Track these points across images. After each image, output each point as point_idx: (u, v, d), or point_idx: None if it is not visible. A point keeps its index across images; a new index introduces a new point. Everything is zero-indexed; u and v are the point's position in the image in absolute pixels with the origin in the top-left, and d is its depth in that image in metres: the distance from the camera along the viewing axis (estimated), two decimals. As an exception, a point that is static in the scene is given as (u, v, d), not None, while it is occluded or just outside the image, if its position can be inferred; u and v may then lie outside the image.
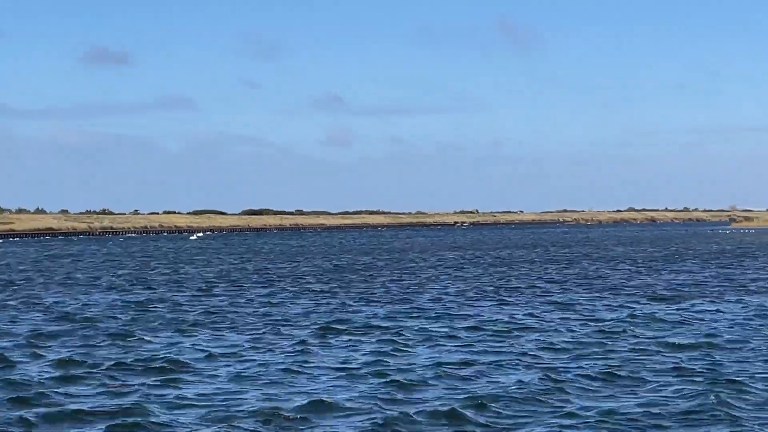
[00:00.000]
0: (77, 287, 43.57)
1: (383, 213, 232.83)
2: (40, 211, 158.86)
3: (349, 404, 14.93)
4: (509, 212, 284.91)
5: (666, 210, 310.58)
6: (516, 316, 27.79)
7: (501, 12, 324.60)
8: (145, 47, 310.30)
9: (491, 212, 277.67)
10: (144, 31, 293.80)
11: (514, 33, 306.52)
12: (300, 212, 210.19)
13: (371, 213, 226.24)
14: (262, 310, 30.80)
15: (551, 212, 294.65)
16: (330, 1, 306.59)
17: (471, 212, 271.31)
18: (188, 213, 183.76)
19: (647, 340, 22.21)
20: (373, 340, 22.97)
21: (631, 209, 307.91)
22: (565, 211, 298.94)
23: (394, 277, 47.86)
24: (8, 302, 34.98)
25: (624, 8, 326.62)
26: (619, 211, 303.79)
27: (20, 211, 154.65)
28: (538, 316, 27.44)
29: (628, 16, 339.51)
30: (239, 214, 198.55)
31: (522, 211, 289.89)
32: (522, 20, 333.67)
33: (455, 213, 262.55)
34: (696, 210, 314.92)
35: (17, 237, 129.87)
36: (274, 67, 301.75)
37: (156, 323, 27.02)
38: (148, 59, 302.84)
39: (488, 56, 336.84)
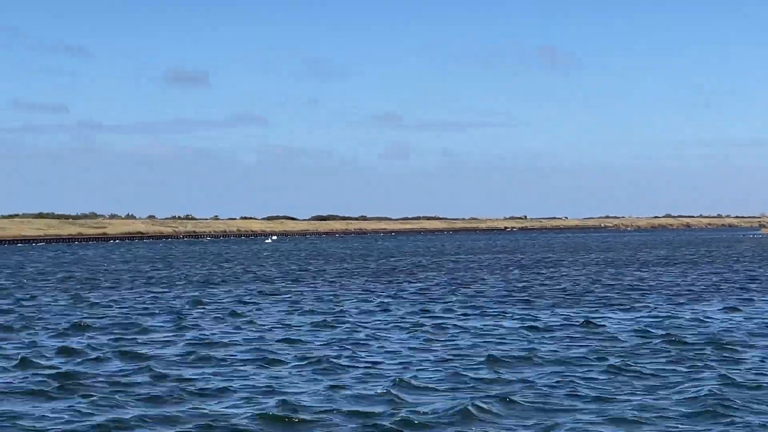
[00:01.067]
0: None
1: (440, 218, 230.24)
2: (130, 217, 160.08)
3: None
4: (555, 218, 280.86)
5: (701, 216, 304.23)
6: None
7: (541, 37, 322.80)
8: (219, 68, 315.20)
9: (538, 218, 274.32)
10: (219, 54, 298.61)
11: (554, 55, 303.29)
12: (363, 218, 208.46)
13: (429, 218, 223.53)
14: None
15: (593, 218, 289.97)
16: (387, 27, 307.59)
17: (520, 218, 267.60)
18: (263, 218, 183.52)
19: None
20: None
21: (668, 215, 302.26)
22: (607, 217, 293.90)
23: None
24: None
25: (652, 30, 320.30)
26: (656, 217, 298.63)
27: (112, 216, 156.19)
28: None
29: (657, 37, 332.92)
30: (308, 219, 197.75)
31: (566, 217, 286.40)
32: (560, 44, 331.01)
33: (505, 219, 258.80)
34: (728, 216, 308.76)
35: (110, 240, 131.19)
36: (337, 86, 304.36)
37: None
38: (223, 79, 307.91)
39: (531, 76, 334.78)
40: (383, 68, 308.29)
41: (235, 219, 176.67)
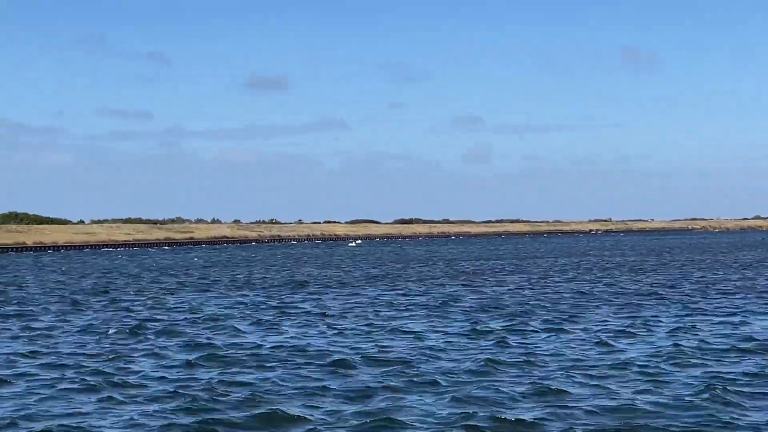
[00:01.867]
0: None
1: (523, 221, 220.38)
2: (216, 221, 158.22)
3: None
4: (640, 220, 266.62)
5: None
6: None
7: (623, 38, 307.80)
8: (299, 73, 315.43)
9: (623, 220, 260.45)
10: (298, 59, 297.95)
11: (636, 56, 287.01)
12: (446, 221, 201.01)
13: (512, 221, 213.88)
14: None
15: (680, 220, 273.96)
16: (468, 30, 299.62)
17: (605, 220, 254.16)
18: (346, 222, 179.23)
19: None
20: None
21: (758, 217, 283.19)
22: (694, 219, 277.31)
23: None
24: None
25: (737, 28, 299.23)
26: (745, 219, 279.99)
27: (199, 221, 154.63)
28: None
29: (742, 35, 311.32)
30: (391, 223, 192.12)
31: (652, 219, 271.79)
32: (642, 45, 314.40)
33: (590, 221, 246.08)
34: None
35: (197, 244, 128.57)
36: (418, 89, 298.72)
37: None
38: (303, 84, 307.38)
39: (613, 78, 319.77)
40: (464, 71, 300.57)
41: (319, 223, 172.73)
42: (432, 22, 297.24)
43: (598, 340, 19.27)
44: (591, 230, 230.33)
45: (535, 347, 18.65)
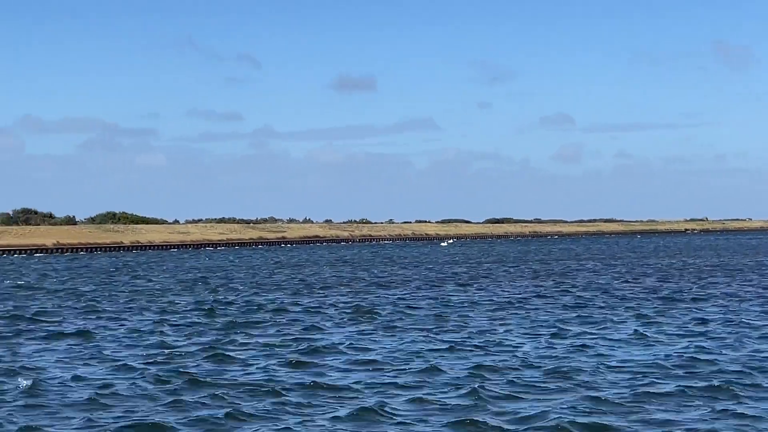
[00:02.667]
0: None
1: (616, 221, 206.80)
2: (307, 221, 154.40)
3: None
4: (737, 219, 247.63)
5: None
6: None
7: (715, 32, 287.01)
8: (387, 74, 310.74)
9: (720, 220, 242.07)
10: (386, 59, 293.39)
11: (728, 53, 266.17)
12: (538, 220, 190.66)
13: (605, 221, 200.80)
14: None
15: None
16: (556, 27, 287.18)
17: (701, 220, 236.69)
18: (437, 222, 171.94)
19: None
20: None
21: None
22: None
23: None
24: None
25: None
26: None
27: (291, 221, 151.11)
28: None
29: None
30: (482, 222, 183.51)
31: (750, 219, 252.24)
32: (735, 41, 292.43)
33: (685, 221, 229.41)
34: None
35: (288, 244, 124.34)
36: (506, 89, 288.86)
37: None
38: (391, 84, 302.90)
39: (706, 75, 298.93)
40: (553, 69, 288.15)
41: (410, 222, 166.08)
42: (520, 18, 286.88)
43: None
44: (686, 230, 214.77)
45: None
